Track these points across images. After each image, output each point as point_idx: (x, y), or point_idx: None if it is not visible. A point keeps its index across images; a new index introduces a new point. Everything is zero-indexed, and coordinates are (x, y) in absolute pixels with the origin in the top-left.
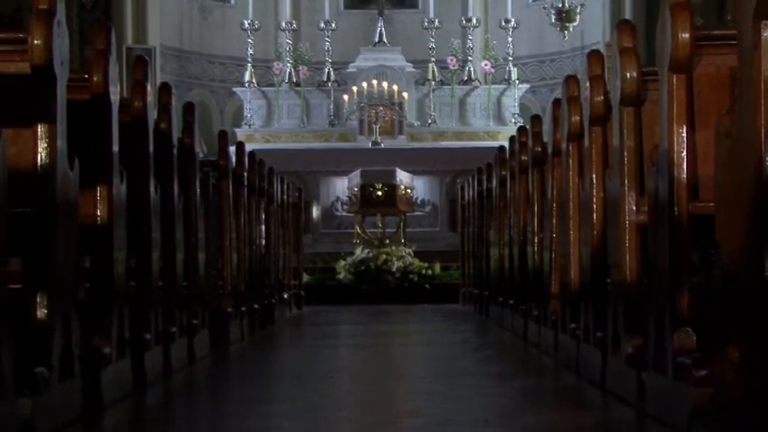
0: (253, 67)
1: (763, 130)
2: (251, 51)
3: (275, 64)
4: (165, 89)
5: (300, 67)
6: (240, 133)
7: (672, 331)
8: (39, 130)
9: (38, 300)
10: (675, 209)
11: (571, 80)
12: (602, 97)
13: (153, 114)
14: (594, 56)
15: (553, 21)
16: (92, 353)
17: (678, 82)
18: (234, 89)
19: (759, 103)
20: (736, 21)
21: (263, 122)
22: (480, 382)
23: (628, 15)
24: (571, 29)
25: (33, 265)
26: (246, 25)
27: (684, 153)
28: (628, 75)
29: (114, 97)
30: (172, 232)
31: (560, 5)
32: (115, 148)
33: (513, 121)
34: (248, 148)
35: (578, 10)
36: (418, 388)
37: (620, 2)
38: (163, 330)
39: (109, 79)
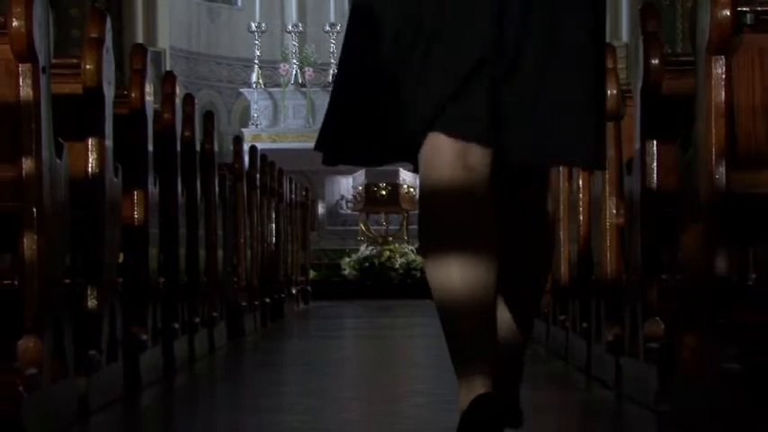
0: (259, 68)
1: (714, 147)
2: (258, 53)
3: (282, 65)
4: (188, 100)
5: (306, 69)
6: (247, 133)
7: (643, 321)
8: (89, 143)
9: (88, 291)
10: (647, 212)
11: None
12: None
13: (179, 123)
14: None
15: None
16: (132, 339)
17: (647, 104)
18: (241, 90)
19: (710, 123)
20: (694, 54)
21: (270, 122)
22: None
23: (625, 17)
24: None
25: (86, 260)
26: (253, 27)
27: (654, 164)
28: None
29: (149, 111)
30: (195, 231)
31: None
32: (150, 155)
33: None
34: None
35: None
36: (421, 373)
37: (617, 3)
38: (188, 321)
39: (145, 96)
